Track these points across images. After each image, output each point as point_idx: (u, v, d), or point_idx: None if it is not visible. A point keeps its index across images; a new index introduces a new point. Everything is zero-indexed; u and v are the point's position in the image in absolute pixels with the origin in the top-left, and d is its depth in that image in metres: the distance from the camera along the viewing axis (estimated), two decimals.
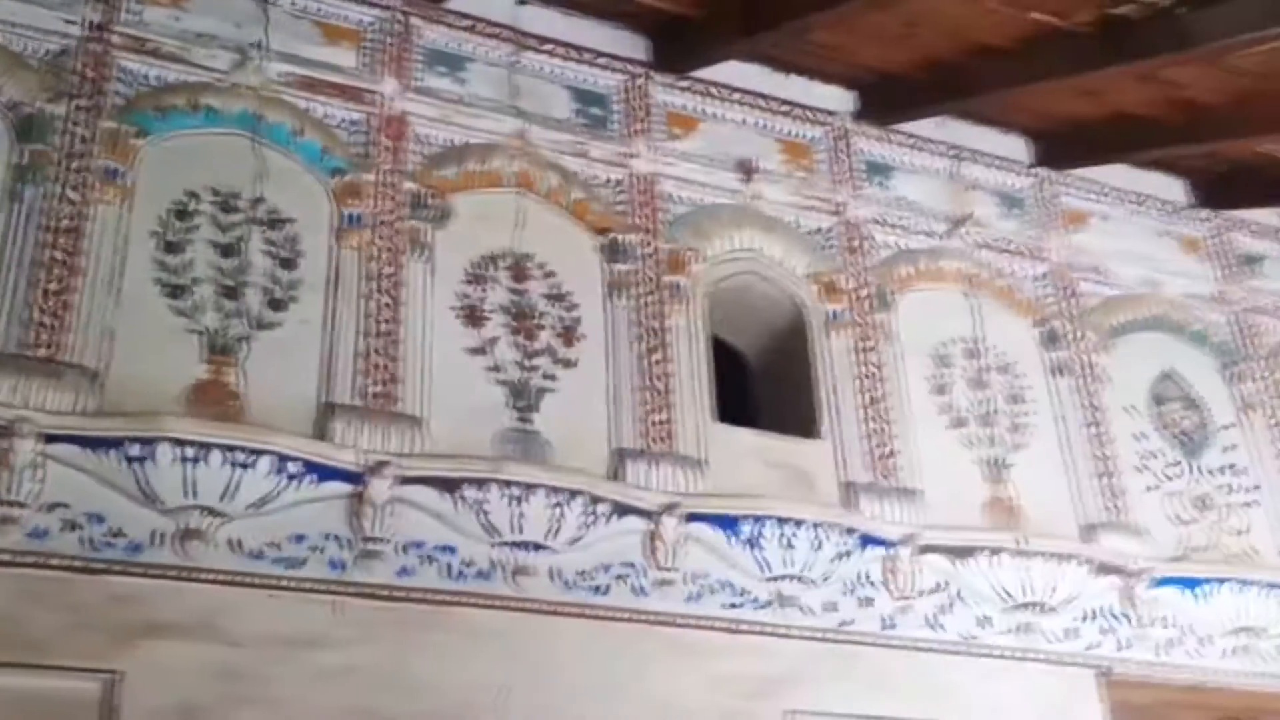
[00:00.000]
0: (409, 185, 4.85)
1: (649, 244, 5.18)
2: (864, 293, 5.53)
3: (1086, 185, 6.28)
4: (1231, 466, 5.94)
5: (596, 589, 4.48)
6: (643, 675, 4.43)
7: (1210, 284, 6.41)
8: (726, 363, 5.68)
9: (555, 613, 4.41)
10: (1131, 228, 6.35)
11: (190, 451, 3.98)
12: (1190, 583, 5.45)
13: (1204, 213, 6.52)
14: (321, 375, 4.41)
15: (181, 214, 4.46)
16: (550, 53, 5.35)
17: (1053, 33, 4.79)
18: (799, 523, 4.75)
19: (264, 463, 4.08)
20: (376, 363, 4.51)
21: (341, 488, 4.23)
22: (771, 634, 4.68)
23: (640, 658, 4.46)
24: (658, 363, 4.94)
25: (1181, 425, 5.96)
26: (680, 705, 4.42)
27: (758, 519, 4.71)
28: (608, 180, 5.25)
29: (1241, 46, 4.45)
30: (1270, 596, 5.55)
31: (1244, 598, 5.51)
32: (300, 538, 4.13)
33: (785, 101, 5.71)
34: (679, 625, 4.56)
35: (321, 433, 4.29)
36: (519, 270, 4.90)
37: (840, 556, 4.83)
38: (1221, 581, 5.48)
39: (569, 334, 4.87)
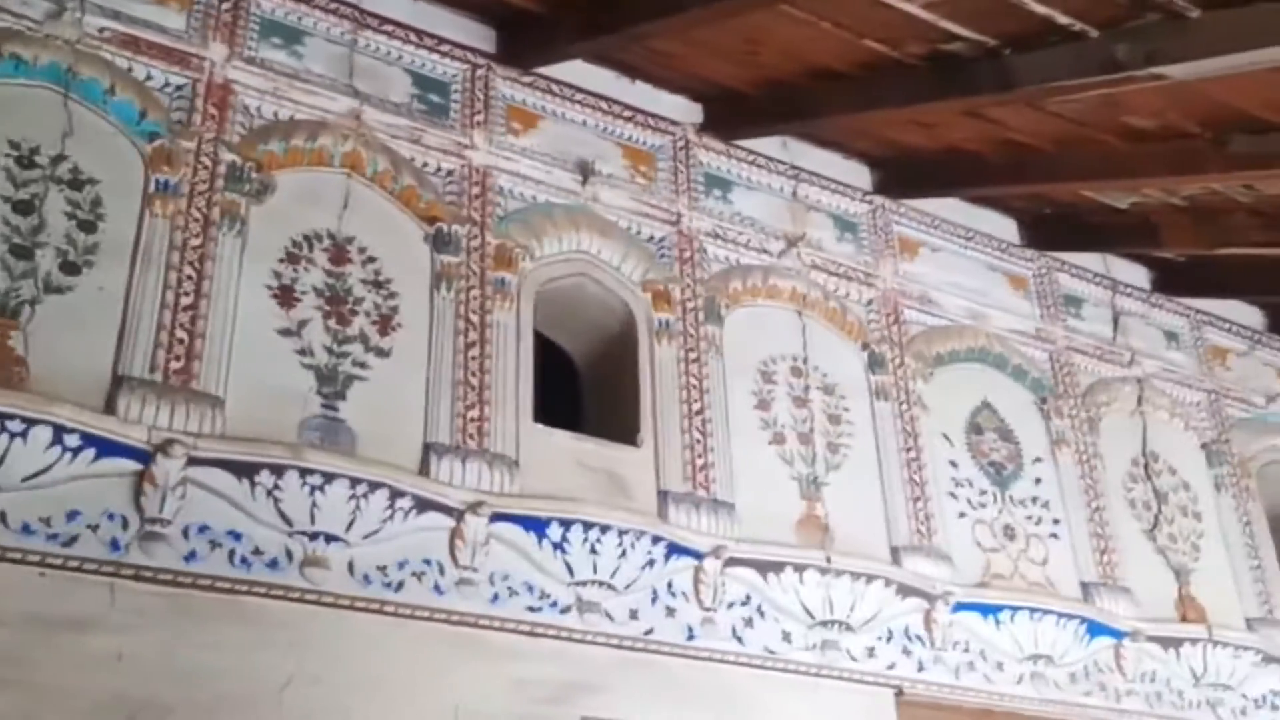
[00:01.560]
0: (229, 156, 4.66)
1: (478, 237, 5.08)
2: (695, 304, 5.53)
3: (921, 216, 6.42)
4: (1038, 499, 6.12)
5: (393, 585, 4.35)
6: (437, 675, 4.31)
7: (1033, 321, 6.61)
8: (556, 365, 5.67)
9: (348, 607, 4.25)
10: (961, 261, 6.51)
11: None
12: (989, 609, 5.59)
13: (1031, 253, 6.73)
14: (116, 346, 4.19)
15: None
16: (391, 34, 5.22)
17: (887, 62, 4.86)
18: (607, 528, 4.70)
19: (41, 433, 3.85)
20: (178, 337, 4.31)
21: (126, 465, 4.02)
22: (572, 639, 4.61)
23: (435, 657, 4.34)
24: (476, 358, 4.85)
25: (994, 456, 6.12)
26: (474, 708, 4.32)
27: (565, 522, 4.65)
28: (440, 169, 5.14)
29: (1060, 92, 4.59)
30: (1064, 626, 5.73)
31: (1039, 626, 5.68)
32: (75, 514, 3.90)
33: (630, 107, 5.69)
34: (478, 626, 4.46)
35: (110, 406, 4.07)
36: (339, 253, 4.76)
37: (647, 564, 4.80)
38: (1019, 609, 5.64)
39: (386, 322, 4.74)
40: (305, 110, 4.92)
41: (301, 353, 4.51)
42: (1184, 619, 6.21)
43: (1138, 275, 7.08)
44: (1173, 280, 6.95)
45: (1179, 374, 6.97)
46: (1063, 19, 4.21)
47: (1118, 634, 5.90)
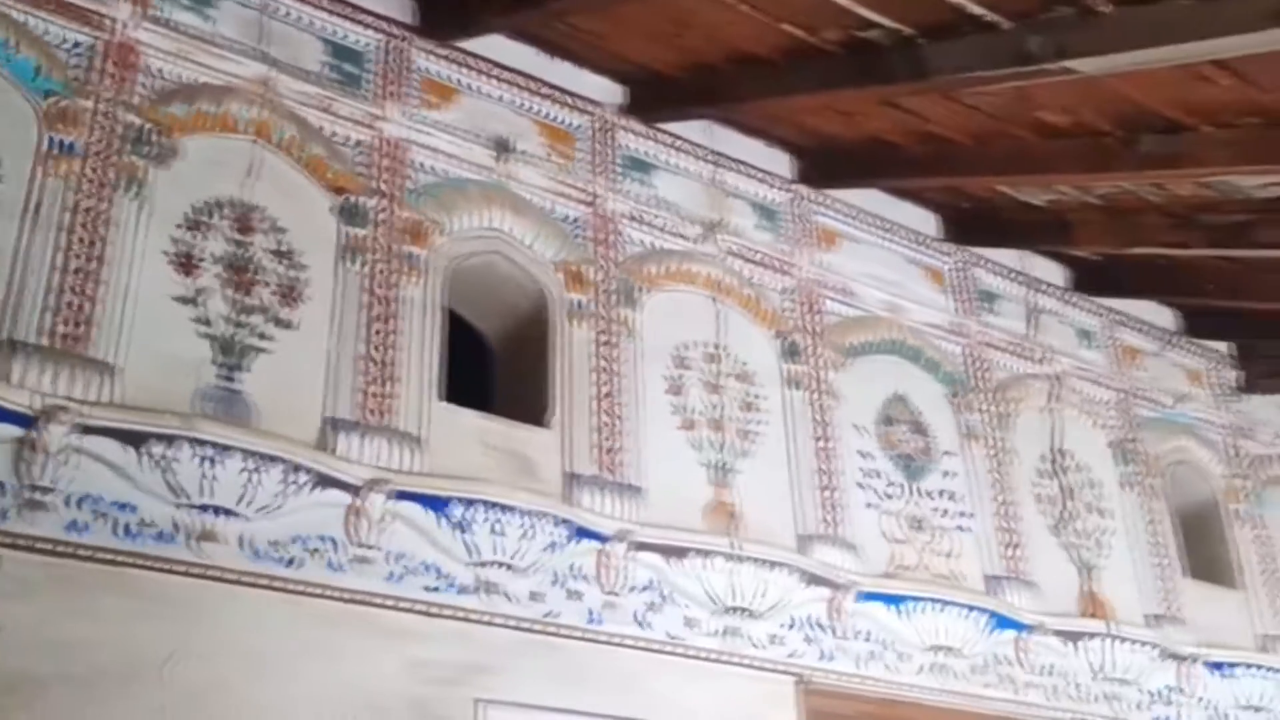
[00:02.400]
0: (131, 118, 4.53)
1: (389, 210, 4.99)
2: (610, 286, 5.48)
3: (841, 207, 6.42)
4: (947, 492, 6.15)
5: (288, 561, 4.26)
6: (330, 654, 4.22)
7: (948, 316, 6.64)
8: (470, 343, 5.59)
9: (240, 582, 4.16)
10: (880, 253, 6.52)
11: None
12: (894, 599, 5.62)
13: (949, 247, 6.76)
14: (1, 308, 4.05)
15: None
16: (306, 0, 5.10)
17: (805, 48, 4.84)
18: (511, 509, 4.64)
19: None
20: (70, 301, 4.17)
21: (8, 430, 3.89)
22: (470, 620, 4.55)
23: (330, 636, 4.26)
24: (382, 333, 4.76)
25: (905, 448, 6.14)
26: (367, 687, 4.25)
27: (469, 502, 4.58)
28: (351, 140, 5.03)
29: (973, 83, 4.61)
30: (968, 618, 5.77)
31: (944, 617, 5.71)
32: None
33: (551, 85, 5.62)
34: (374, 605, 4.38)
35: None
36: (244, 221, 4.64)
37: (552, 547, 4.75)
38: (924, 600, 5.67)
39: (290, 293, 4.64)
40: (213, 74, 4.79)
41: (200, 322, 4.40)
42: (1086, 614, 6.30)
43: (1055, 273, 7.15)
44: (1089, 279, 7.03)
45: (1091, 372, 7.06)
46: (976, 9, 4.21)
47: (1020, 627, 5.96)
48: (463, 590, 4.56)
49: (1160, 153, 4.83)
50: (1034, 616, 6.02)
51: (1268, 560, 7.23)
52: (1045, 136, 5.21)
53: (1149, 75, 4.37)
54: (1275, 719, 6.76)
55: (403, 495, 4.50)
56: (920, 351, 6.41)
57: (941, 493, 6.14)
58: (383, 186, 5.01)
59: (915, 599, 5.64)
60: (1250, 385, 7.53)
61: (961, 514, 6.14)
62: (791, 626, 5.31)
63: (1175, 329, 7.56)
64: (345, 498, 4.41)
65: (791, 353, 5.92)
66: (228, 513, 4.16)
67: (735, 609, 5.14)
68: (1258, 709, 6.69)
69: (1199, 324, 7.40)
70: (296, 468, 4.28)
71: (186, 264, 4.46)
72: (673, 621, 5.02)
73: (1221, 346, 7.68)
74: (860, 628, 5.50)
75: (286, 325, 4.58)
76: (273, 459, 4.22)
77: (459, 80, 5.41)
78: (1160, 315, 7.54)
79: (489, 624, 4.59)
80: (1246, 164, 4.76)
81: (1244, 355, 7.60)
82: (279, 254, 4.68)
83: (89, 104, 4.48)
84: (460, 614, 4.54)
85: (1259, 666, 6.72)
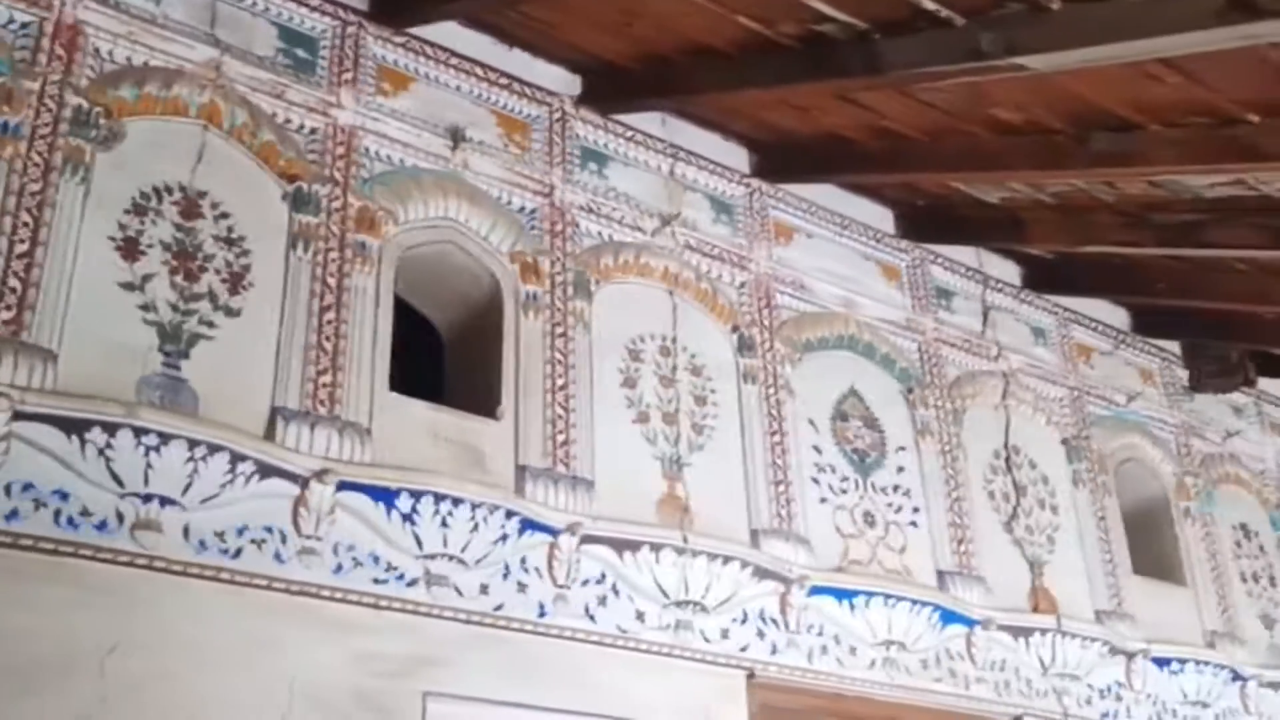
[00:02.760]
0: (75, 100, 4.44)
1: (340, 198, 4.93)
2: (564, 278, 5.45)
3: (798, 202, 6.42)
4: (900, 487, 6.18)
5: (231, 552, 4.20)
6: (273, 646, 4.17)
7: (904, 312, 6.66)
8: (422, 334, 5.55)
9: (182, 573, 4.09)
10: (836, 248, 6.53)
11: None
12: (845, 594, 5.63)
13: (905, 244, 6.78)
14: None
15: None
16: None
17: (761, 41, 4.83)
18: (460, 501, 4.60)
19: None
20: (10, 286, 4.09)
21: None
22: (417, 613, 4.51)
23: (273, 628, 4.20)
24: (331, 322, 4.70)
25: (858, 443, 6.16)
26: (311, 680, 4.19)
27: (417, 494, 4.54)
28: (304, 127, 4.97)
29: (926, 79, 4.61)
30: (918, 613, 5.80)
31: (894, 612, 5.73)
32: None
33: (506, 75, 5.58)
34: (319, 597, 4.33)
35: None
36: (190, 207, 4.56)
37: (501, 539, 4.71)
38: (874, 595, 5.69)
39: (237, 281, 4.57)
40: (161, 57, 4.71)
41: (144, 308, 4.32)
42: (1035, 609, 6.34)
43: (1009, 271, 7.19)
44: (1042, 277, 7.07)
45: (1044, 370, 7.11)
46: (930, 5, 4.22)
47: (970, 622, 5.99)
48: (410, 583, 4.52)
49: (1111, 151, 4.87)
50: (984, 612, 6.05)
51: (1214, 558, 7.32)
52: (999, 133, 5.23)
53: (1100, 73, 4.40)
54: (1220, 714, 6.86)
55: (350, 486, 4.44)
56: (875, 348, 6.42)
57: (894, 488, 6.16)
58: (335, 174, 4.95)
59: (866, 594, 5.66)
60: (1199, 384, 7.61)
61: (913, 509, 6.16)
62: (742, 620, 5.30)
63: (1127, 328, 7.63)
64: (291, 488, 4.35)
65: (746, 347, 5.91)
66: (170, 502, 4.10)
67: (686, 603, 5.13)
68: (1203, 705, 6.77)
69: (1150, 323, 7.47)
70: (241, 457, 4.22)
71: (131, 249, 4.38)
72: (623, 615, 5.00)
73: (1172, 346, 7.76)
74: (811, 622, 5.51)
75: (233, 313, 4.52)
76: (217, 448, 4.16)
77: (414, 68, 5.35)
78: (1112, 314, 7.60)
79: (437, 617, 4.55)
80: (1193, 163, 4.80)
81: (1193, 354, 7.68)
82: (226, 240, 4.61)
83: (34, 85, 4.39)
84: (408, 607, 4.49)
85: (1205, 663, 6.80)
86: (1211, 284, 6.48)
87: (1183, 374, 7.78)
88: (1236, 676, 6.94)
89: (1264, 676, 7.07)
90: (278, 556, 4.30)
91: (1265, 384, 8.02)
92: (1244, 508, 7.73)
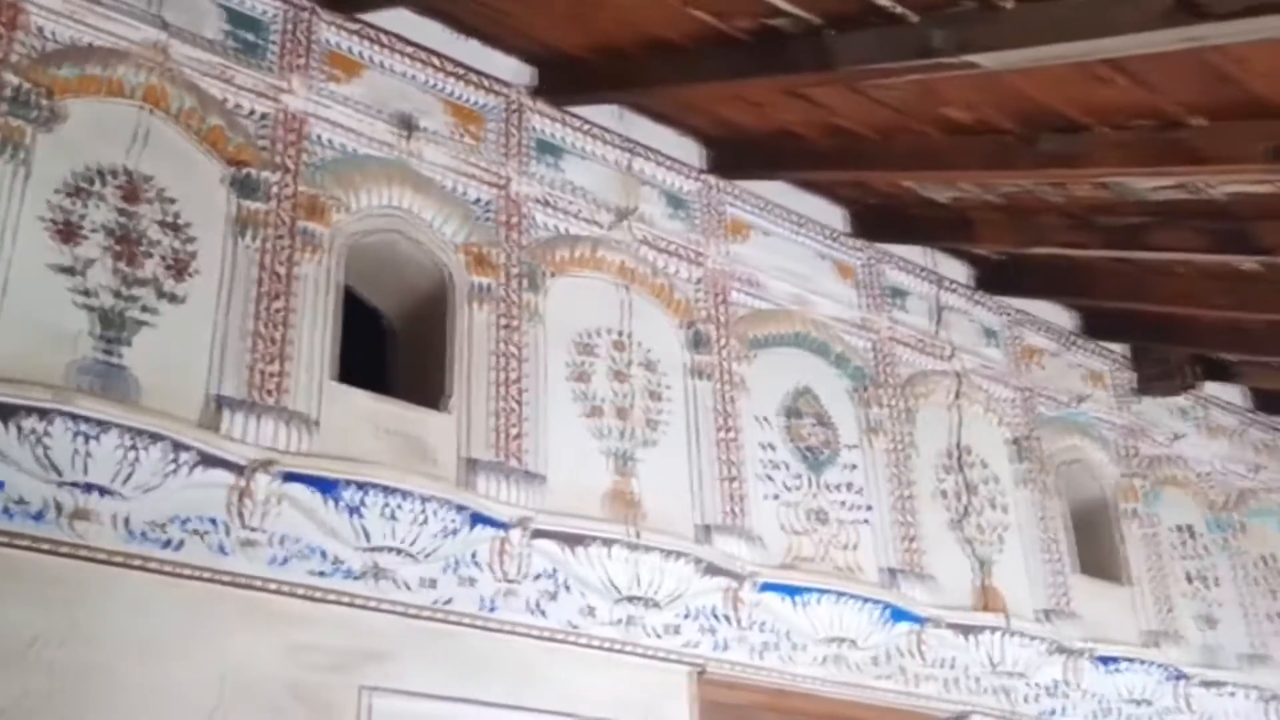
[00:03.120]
0: (12, 78, 4.34)
1: (288, 185, 4.86)
2: (516, 270, 5.40)
3: (753, 199, 6.41)
4: (849, 485, 6.18)
5: (169, 543, 4.11)
6: (211, 639, 4.09)
7: (857, 311, 6.66)
8: (371, 325, 5.49)
9: (118, 563, 4.01)
10: (791, 246, 6.52)
11: None
12: (794, 590, 5.62)
13: (859, 243, 6.78)
14: None
15: None
16: None
17: (716, 35, 4.81)
18: (406, 494, 4.54)
19: None
20: None
21: None
22: (360, 606, 4.44)
23: (211, 620, 4.12)
24: (278, 311, 4.63)
25: (810, 440, 6.16)
26: (248, 673, 4.12)
27: (361, 485, 4.47)
28: (252, 111, 4.88)
29: (877, 75, 4.61)
30: (865, 611, 5.80)
31: (841, 609, 5.72)
32: None
33: (460, 64, 5.51)
34: (258, 589, 4.26)
35: None
36: (132, 191, 4.47)
37: (447, 533, 4.65)
38: (823, 592, 5.68)
39: (180, 267, 4.48)
40: (105, 37, 4.61)
41: (80, 292, 4.22)
42: (983, 608, 6.37)
43: (961, 272, 7.22)
44: (993, 278, 7.11)
45: (994, 370, 7.14)
46: (883, 1, 4.22)
47: (918, 620, 6.00)
48: (351, 575, 4.45)
49: (1058, 152, 4.89)
50: (931, 610, 6.07)
51: (1155, 558, 7.40)
52: (949, 133, 5.24)
53: (1049, 74, 4.42)
54: (1159, 713, 6.93)
55: (291, 477, 4.37)
56: (828, 346, 6.42)
57: (843, 486, 6.16)
58: (285, 161, 4.87)
59: (814, 590, 5.65)
60: (1143, 387, 7.69)
61: (864, 507, 6.16)
62: (690, 616, 5.28)
63: (1074, 330, 7.69)
64: (230, 478, 4.27)
65: (700, 343, 5.89)
66: (105, 491, 4.01)
67: (634, 598, 5.10)
68: (1141, 702, 6.84)
69: (1097, 325, 7.54)
70: (179, 446, 4.13)
71: (70, 232, 4.28)
72: (570, 610, 4.97)
73: (1119, 348, 7.83)
74: (758, 618, 5.49)
75: (177, 300, 4.43)
76: (154, 436, 4.07)
77: (366, 55, 5.27)
78: (1061, 316, 7.66)
79: (378, 610, 4.49)
80: (1138, 165, 4.84)
81: (1137, 357, 7.76)
82: (171, 226, 4.52)
83: None
84: (347, 599, 4.43)
85: (1144, 661, 6.87)
86: (1154, 287, 6.54)
87: (1130, 376, 7.85)
88: (1175, 676, 7.02)
89: (1202, 676, 7.15)
90: (220, 548, 4.22)
91: (1212, 388, 8.12)
92: (1186, 509, 7.81)
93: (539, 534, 4.93)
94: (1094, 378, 7.72)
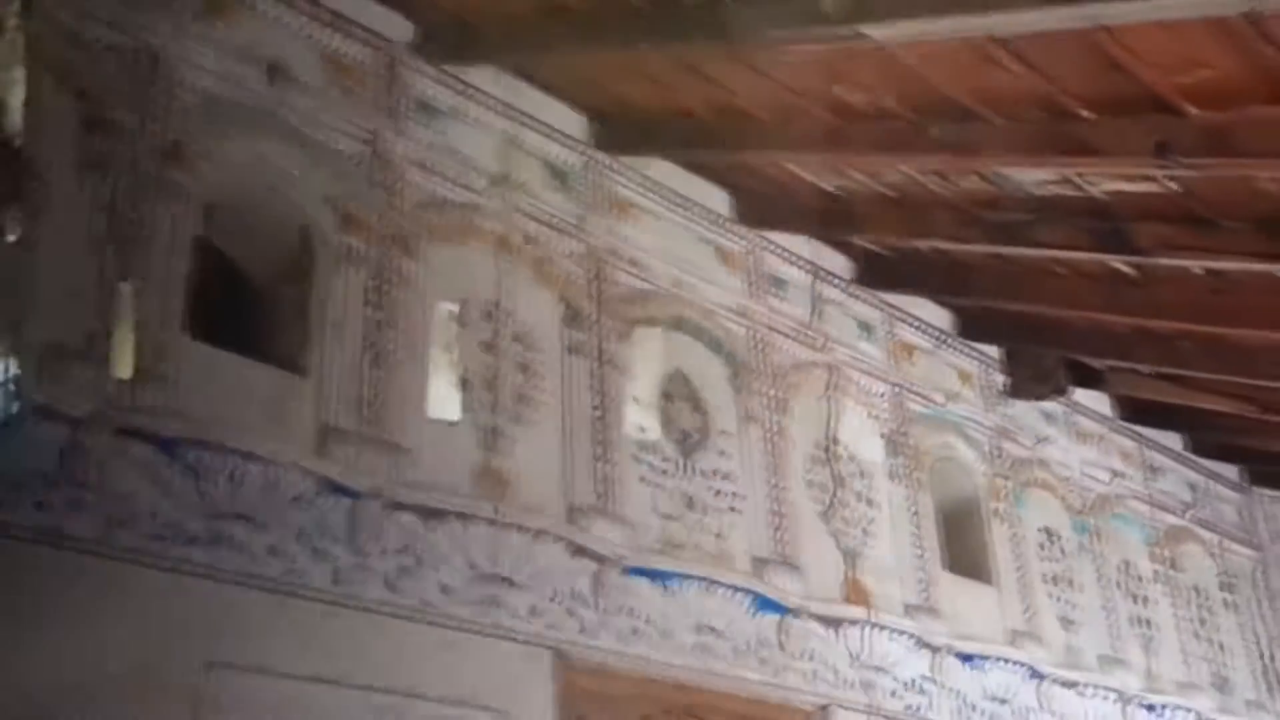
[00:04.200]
0: None
1: (145, 127, 4.55)
2: (387, 232, 5.17)
3: (639, 179, 6.27)
4: (721, 472, 6.09)
5: None
6: (41, 608, 3.78)
7: (737, 297, 6.58)
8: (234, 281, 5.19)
9: None
10: (674, 228, 6.40)
11: None
12: (662, 576, 5.51)
13: (743, 229, 6.70)
14: None
15: None
16: None
17: (612, 2, 4.64)
18: (255, 458, 4.30)
19: None
20: None
21: None
22: (201, 575, 4.18)
23: (40, 587, 3.81)
24: (125, 257, 4.33)
25: (683, 425, 6.06)
26: (83, 644, 3.82)
27: (204, 445, 4.21)
28: (111, 47, 4.56)
29: (770, 44, 4.51)
30: (734, 599, 5.74)
31: (710, 597, 5.66)
32: None
33: (336, 14, 5.25)
34: (91, 554, 3.97)
35: None
36: None
37: (298, 501, 4.42)
38: (690, 578, 5.59)
39: (26, 208, 4.13)
40: None
41: None
42: (849, 601, 6.35)
43: (841, 265, 7.19)
44: (872, 273, 7.09)
45: (868, 364, 7.13)
46: None
47: (784, 610, 5.95)
48: (192, 542, 4.18)
49: (949, 140, 4.87)
50: (798, 601, 6.03)
51: (1020, 559, 7.49)
52: (841, 116, 5.18)
53: (944, 56, 4.37)
54: (1018, 711, 7.01)
55: (129, 432, 4.09)
56: (706, 330, 6.33)
57: (715, 472, 6.07)
58: (143, 104, 4.55)
59: (682, 576, 5.56)
60: (1015, 389, 7.77)
61: (734, 495, 6.09)
62: (553, 599, 5.12)
63: (950, 329, 7.74)
64: (65, 433, 3.97)
65: (575, 319, 5.74)
66: None
67: (495, 577, 4.92)
68: (1003, 700, 6.91)
69: (971, 326, 7.59)
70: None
71: None
72: (427, 587, 4.76)
73: (992, 350, 7.91)
74: (624, 604, 5.36)
75: (12, 240, 4.09)
76: None
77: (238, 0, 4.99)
78: (937, 315, 7.70)
79: (219, 580, 4.23)
80: (1028, 154, 4.83)
81: (1011, 359, 7.84)
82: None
83: None
84: (188, 567, 4.16)
85: (1006, 660, 6.95)
86: (1031, 286, 6.59)
87: (1000, 378, 7.93)
88: (1035, 674, 7.11)
89: (1062, 677, 7.27)
90: (43, 506, 3.91)
91: (1080, 395, 8.27)
92: (1050, 512, 7.93)
93: (396, 506, 4.72)
94: (964, 377, 7.78)
